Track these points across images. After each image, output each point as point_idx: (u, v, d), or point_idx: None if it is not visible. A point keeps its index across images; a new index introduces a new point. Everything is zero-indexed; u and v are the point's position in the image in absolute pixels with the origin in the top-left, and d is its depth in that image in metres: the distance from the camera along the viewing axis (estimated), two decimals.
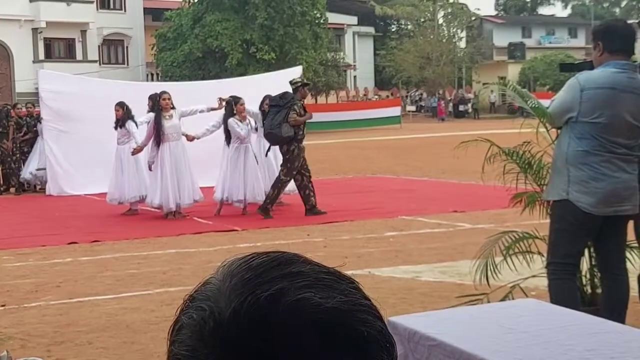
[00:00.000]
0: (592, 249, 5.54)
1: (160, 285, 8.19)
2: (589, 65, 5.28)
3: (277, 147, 13.32)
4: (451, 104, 60.13)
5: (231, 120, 13.31)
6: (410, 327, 2.96)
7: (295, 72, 20.43)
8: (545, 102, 5.89)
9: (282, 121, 12.49)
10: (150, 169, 13.30)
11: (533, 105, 6.02)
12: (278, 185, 12.90)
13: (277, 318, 0.82)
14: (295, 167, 12.70)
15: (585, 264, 5.75)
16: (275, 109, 12.73)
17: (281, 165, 12.94)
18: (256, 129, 13.83)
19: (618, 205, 5.00)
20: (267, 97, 13.85)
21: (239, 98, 13.67)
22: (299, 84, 13.31)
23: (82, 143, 16.91)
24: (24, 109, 18.98)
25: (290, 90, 13.23)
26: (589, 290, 5.97)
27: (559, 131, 5.36)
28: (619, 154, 4.98)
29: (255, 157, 13.56)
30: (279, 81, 19.75)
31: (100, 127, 16.47)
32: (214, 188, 13.79)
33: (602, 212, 5.00)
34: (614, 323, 2.85)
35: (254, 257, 0.89)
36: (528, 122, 6.42)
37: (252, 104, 14.59)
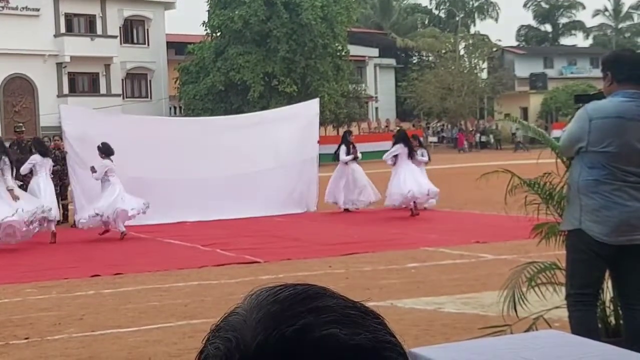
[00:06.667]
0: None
1: (182, 318, 8.19)
2: (603, 96, 5.28)
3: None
4: (478, 135, 60.04)
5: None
6: (431, 358, 2.95)
7: (313, 104, 20.71)
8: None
9: None
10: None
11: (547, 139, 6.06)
12: None
13: (302, 353, 0.82)
14: None
15: (607, 294, 5.70)
16: None
17: None
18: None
19: (632, 234, 4.97)
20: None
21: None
22: None
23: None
24: (52, 143, 19.26)
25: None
26: (613, 321, 5.92)
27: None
28: (631, 182, 4.96)
29: None
30: (297, 113, 20.03)
31: (121, 159, 16.64)
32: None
33: (615, 242, 4.97)
34: (636, 354, 2.83)
35: (282, 290, 0.89)
36: (547, 152, 6.41)
37: (269, 137, 17.10)
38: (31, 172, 16.89)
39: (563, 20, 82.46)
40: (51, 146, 19.04)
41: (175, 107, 54.08)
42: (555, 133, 29.51)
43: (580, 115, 5.14)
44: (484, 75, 64.14)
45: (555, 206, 6.17)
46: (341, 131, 53.58)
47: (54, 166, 18.44)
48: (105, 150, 15.63)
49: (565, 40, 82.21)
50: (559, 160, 6.02)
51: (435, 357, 2.98)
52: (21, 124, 21.60)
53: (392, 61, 69.18)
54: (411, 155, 17.97)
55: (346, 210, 18.96)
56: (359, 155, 19.58)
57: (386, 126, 58.36)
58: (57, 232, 15.12)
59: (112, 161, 15.53)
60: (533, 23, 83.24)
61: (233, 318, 0.88)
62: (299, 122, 19.35)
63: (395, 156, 18.02)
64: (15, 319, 8.44)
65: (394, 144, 18.41)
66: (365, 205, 19.00)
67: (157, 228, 16.16)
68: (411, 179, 17.43)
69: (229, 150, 18.19)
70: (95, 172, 15.45)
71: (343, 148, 19.31)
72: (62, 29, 50.36)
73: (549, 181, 6.24)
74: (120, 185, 15.50)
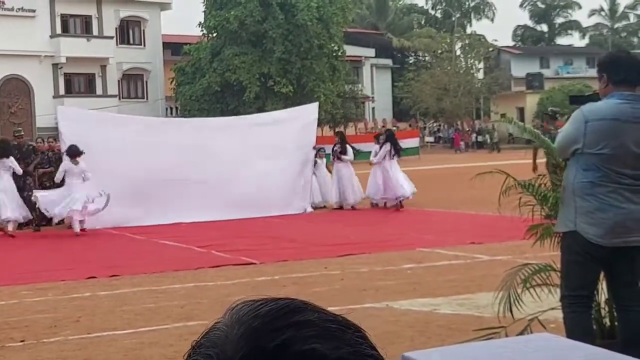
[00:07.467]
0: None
1: (179, 320, 8.19)
2: (598, 97, 5.29)
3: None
4: (474, 135, 60.21)
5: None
6: None
7: (312, 108, 20.85)
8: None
9: None
10: None
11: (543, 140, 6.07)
12: None
13: None
14: None
15: (602, 296, 5.71)
16: None
17: None
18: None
19: (626, 236, 4.98)
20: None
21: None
22: None
23: (100, 177, 16.85)
24: (46, 144, 19.24)
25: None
26: (608, 323, 5.93)
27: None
28: (626, 184, 4.97)
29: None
30: (296, 116, 20.07)
31: (117, 160, 16.67)
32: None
33: (610, 243, 4.99)
34: (627, 357, 2.84)
35: (262, 304, 0.89)
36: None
37: (267, 138, 17.88)
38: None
39: (559, 20, 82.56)
40: (45, 147, 19.03)
41: (171, 108, 54.06)
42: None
43: (576, 116, 5.14)
44: (480, 75, 64.19)
45: (549, 207, 6.17)
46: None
47: (47, 167, 18.43)
48: (74, 152, 16.24)
49: (562, 40, 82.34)
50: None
51: None
52: (20, 129, 21.49)
53: (388, 61, 69.21)
54: (396, 153, 19.25)
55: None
56: (346, 156, 19.97)
57: (383, 126, 58.29)
58: (52, 234, 15.16)
59: (76, 163, 16.19)
60: (529, 23, 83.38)
61: (214, 334, 0.88)
62: (297, 125, 19.39)
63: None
64: (11, 322, 8.43)
65: (383, 143, 19.31)
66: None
67: (153, 229, 16.15)
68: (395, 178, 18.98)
69: (225, 152, 18.17)
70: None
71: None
72: (58, 30, 50.31)
73: (543, 183, 6.25)
74: (79, 187, 16.13)
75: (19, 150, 18.35)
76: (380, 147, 19.25)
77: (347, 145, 20.12)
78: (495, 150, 54.40)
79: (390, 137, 19.64)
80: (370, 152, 20.29)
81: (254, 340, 0.84)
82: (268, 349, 0.83)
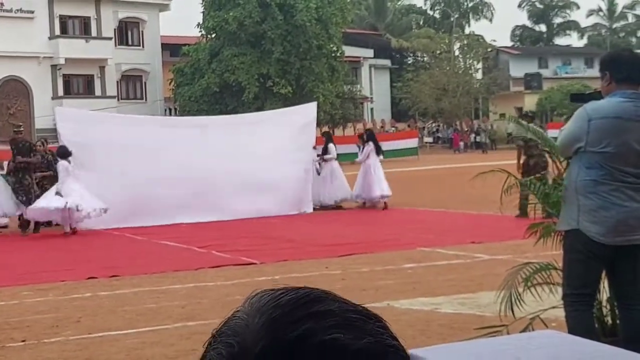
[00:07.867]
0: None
1: (179, 320, 8.19)
2: (599, 95, 5.29)
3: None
4: (473, 135, 60.26)
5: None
6: (424, 358, 2.95)
7: (310, 107, 20.86)
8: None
9: None
10: None
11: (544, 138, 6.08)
12: None
13: (304, 359, 0.82)
14: None
15: (604, 294, 5.72)
16: None
17: None
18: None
19: (629, 235, 4.98)
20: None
21: None
22: None
23: (99, 177, 16.85)
24: (42, 147, 19.24)
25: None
26: (610, 321, 5.94)
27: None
28: (629, 182, 4.97)
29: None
30: (294, 116, 20.08)
31: (116, 161, 16.69)
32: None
33: (612, 242, 4.99)
34: (633, 354, 2.84)
35: (283, 294, 0.89)
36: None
37: (265, 138, 18.08)
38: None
39: (557, 20, 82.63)
40: (41, 150, 19.00)
41: (170, 109, 54.02)
42: (551, 133, 29.49)
43: (579, 115, 5.14)
44: (479, 75, 64.25)
45: (550, 205, 6.17)
46: (337, 132, 53.95)
47: (47, 170, 18.41)
48: (63, 153, 16.48)
49: (560, 40, 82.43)
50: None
51: (428, 357, 2.99)
52: (21, 124, 21.47)
53: (387, 62, 69.22)
54: (378, 152, 19.85)
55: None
56: (328, 155, 20.26)
57: (381, 127, 58.36)
58: (51, 235, 15.21)
59: (69, 162, 16.41)
60: (527, 23, 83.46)
61: (235, 322, 0.88)
62: (296, 124, 19.38)
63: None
64: (12, 322, 8.43)
65: (365, 142, 19.99)
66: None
67: (153, 230, 16.15)
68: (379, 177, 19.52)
69: (225, 151, 18.16)
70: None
71: None
72: (57, 31, 50.31)
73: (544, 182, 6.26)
74: (78, 186, 16.31)
75: (15, 145, 18.25)
76: (363, 147, 19.76)
77: (331, 144, 20.31)
78: (491, 149, 54.47)
79: (370, 137, 20.34)
80: (353, 153, 20.94)
81: (273, 331, 0.84)
82: (289, 339, 0.82)
